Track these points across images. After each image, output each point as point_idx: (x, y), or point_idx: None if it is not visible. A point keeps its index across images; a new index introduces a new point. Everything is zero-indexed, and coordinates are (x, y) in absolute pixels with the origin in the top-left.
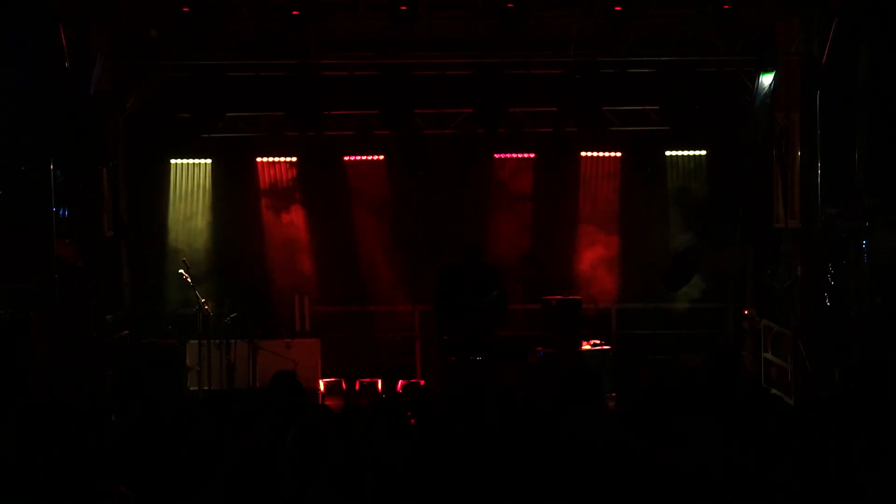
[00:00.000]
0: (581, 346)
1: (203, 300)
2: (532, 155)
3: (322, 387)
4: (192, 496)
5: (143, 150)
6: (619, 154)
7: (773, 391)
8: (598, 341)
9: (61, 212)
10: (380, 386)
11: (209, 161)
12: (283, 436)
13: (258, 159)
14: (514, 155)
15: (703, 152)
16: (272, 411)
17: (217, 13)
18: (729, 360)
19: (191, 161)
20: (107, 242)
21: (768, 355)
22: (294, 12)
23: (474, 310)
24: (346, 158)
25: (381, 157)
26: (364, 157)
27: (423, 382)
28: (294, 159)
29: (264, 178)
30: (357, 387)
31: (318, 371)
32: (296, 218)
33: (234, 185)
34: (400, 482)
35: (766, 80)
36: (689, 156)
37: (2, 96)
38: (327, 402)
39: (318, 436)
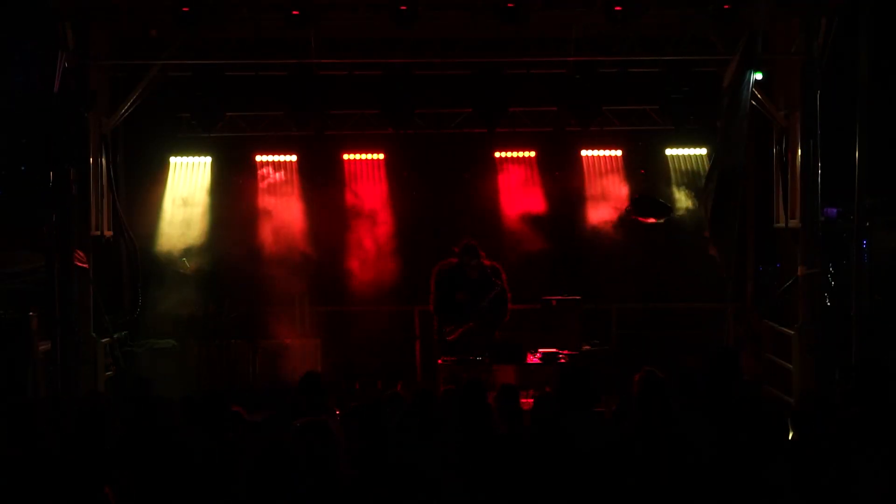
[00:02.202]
0: (581, 346)
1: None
2: (533, 154)
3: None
4: (193, 497)
5: (143, 149)
6: (619, 153)
7: (774, 391)
8: (598, 341)
9: None
10: (379, 386)
11: (209, 159)
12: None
13: (258, 158)
14: (515, 154)
15: (704, 151)
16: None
17: (217, 13)
18: (727, 361)
19: (190, 159)
20: (106, 242)
21: (769, 355)
22: (294, 12)
23: (473, 310)
24: (346, 157)
25: (381, 156)
26: (364, 157)
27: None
28: (294, 158)
29: (264, 177)
30: (357, 387)
31: (317, 371)
32: (295, 217)
33: (233, 184)
34: (403, 481)
35: (754, 77)
36: (689, 155)
37: (2, 96)
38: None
39: (322, 435)
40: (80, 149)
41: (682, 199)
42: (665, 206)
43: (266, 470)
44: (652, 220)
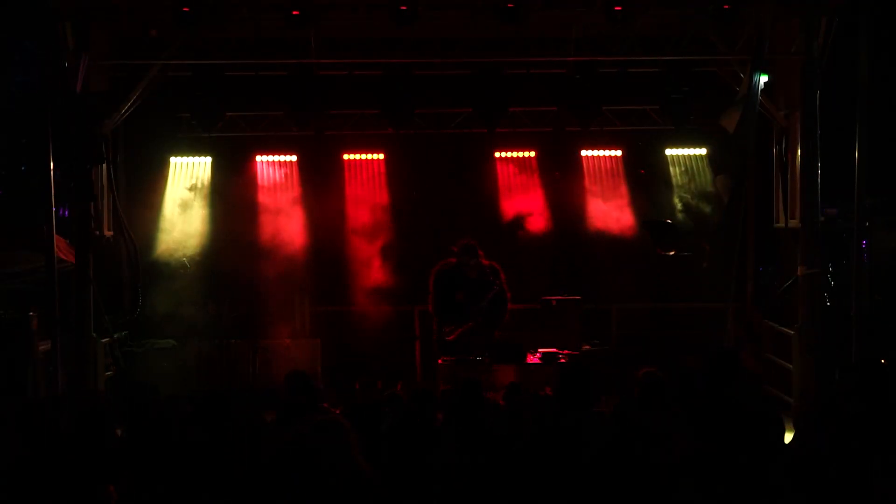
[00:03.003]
0: (581, 346)
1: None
2: (533, 154)
3: (322, 387)
4: (194, 496)
5: (143, 149)
6: (619, 153)
7: (774, 391)
8: (598, 341)
9: (61, 212)
10: (379, 386)
11: (209, 159)
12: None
13: (258, 158)
14: (515, 154)
15: (704, 151)
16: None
17: (217, 13)
18: (727, 362)
19: (190, 159)
20: (106, 242)
21: (769, 355)
22: (294, 12)
23: (472, 310)
24: (346, 157)
25: (381, 156)
26: (364, 157)
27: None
28: (294, 158)
29: (264, 177)
30: (357, 387)
31: (317, 371)
32: (295, 217)
33: (233, 184)
34: (403, 481)
35: (760, 80)
36: (689, 155)
37: (2, 96)
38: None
39: (339, 433)
40: (101, 148)
41: (683, 200)
42: (677, 234)
43: (282, 469)
44: (672, 252)
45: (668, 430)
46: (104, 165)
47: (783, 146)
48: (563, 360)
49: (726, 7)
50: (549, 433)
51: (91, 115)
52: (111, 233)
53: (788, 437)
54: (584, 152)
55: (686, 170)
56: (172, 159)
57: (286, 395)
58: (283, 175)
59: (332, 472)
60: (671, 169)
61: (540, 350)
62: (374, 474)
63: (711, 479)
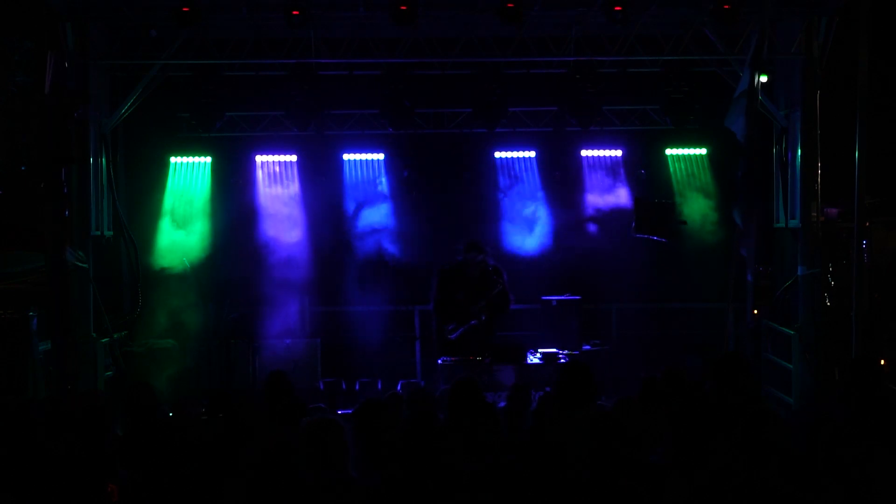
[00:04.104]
0: (581, 346)
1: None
2: (533, 154)
3: (322, 387)
4: (194, 496)
5: (143, 149)
6: (619, 153)
7: (774, 391)
8: (598, 341)
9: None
10: (379, 386)
11: (209, 159)
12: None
13: (258, 158)
14: (515, 154)
15: (704, 151)
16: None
17: (217, 13)
18: (733, 367)
19: (191, 159)
20: (106, 242)
21: (769, 355)
22: (294, 12)
23: (473, 310)
24: (346, 157)
25: (381, 156)
26: (364, 157)
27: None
28: (294, 158)
29: (264, 177)
30: (357, 387)
31: (317, 371)
32: (295, 217)
33: (233, 184)
34: (401, 481)
35: (760, 79)
36: (689, 155)
37: (2, 96)
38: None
39: (332, 434)
40: (72, 148)
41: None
42: (665, 216)
43: (273, 468)
44: (654, 238)
45: (658, 429)
46: (104, 165)
47: (783, 146)
48: (563, 360)
49: (726, 7)
50: (549, 431)
51: (61, 113)
52: (111, 232)
53: None
54: (584, 152)
55: (686, 170)
56: (172, 159)
57: (276, 396)
58: (282, 175)
59: (323, 472)
60: (671, 169)
61: (540, 350)
62: (372, 475)
63: (701, 478)
